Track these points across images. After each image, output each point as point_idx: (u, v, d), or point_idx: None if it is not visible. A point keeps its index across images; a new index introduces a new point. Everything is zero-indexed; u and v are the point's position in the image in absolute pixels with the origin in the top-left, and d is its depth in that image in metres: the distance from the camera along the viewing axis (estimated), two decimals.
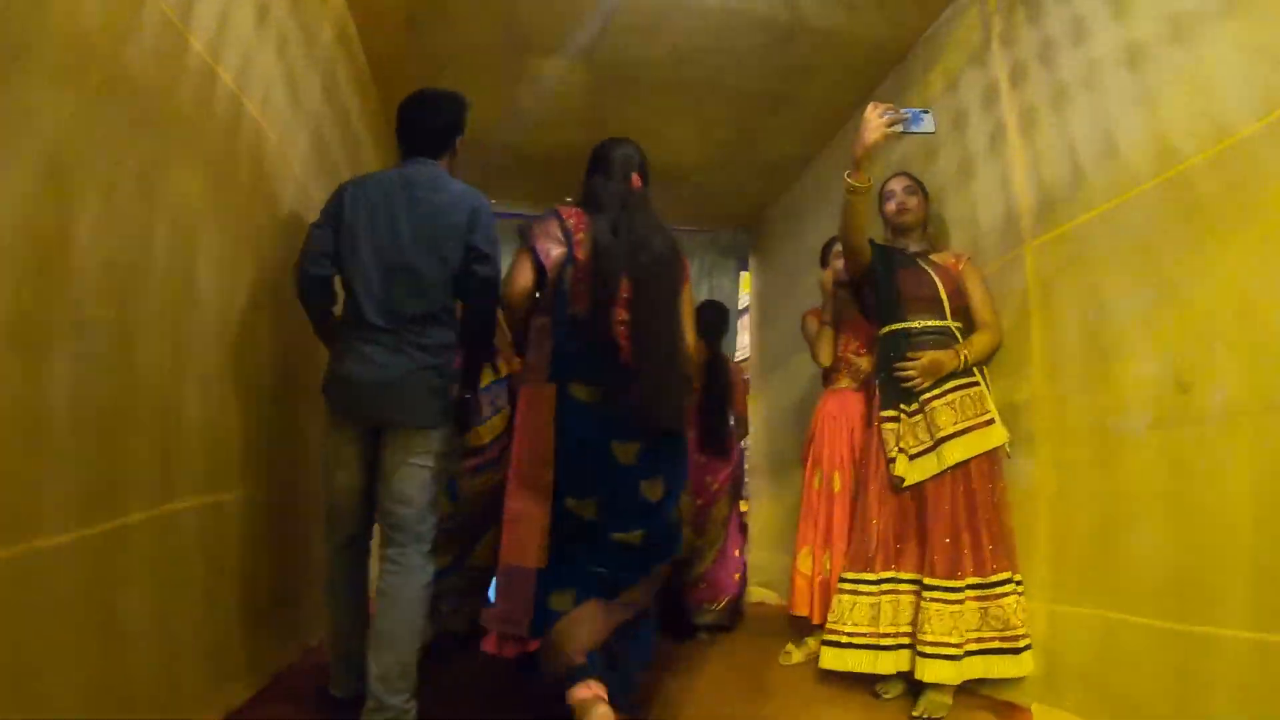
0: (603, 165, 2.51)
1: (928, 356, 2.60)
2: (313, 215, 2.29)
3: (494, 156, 4.19)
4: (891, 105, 2.43)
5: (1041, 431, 2.52)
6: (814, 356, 3.47)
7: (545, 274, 2.26)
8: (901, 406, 2.65)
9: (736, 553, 3.77)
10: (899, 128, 2.41)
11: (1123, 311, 2.22)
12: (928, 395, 2.61)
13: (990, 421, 2.55)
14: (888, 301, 2.75)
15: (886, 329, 2.76)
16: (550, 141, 4.07)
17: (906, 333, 2.70)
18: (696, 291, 5.34)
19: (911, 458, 2.58)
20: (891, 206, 2.90)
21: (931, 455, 2.55)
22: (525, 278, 2.29)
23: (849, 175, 2.51)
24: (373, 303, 2.13)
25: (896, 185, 2.92)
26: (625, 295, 2.24)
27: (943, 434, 2.54)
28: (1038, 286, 2.59)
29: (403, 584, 2.08)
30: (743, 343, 6.24)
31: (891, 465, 2.62)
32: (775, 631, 3.44)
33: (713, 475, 3.71)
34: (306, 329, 2.35)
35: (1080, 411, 2.37)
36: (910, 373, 2.61)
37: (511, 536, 2.18)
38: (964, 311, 2.73)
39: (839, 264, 3.23)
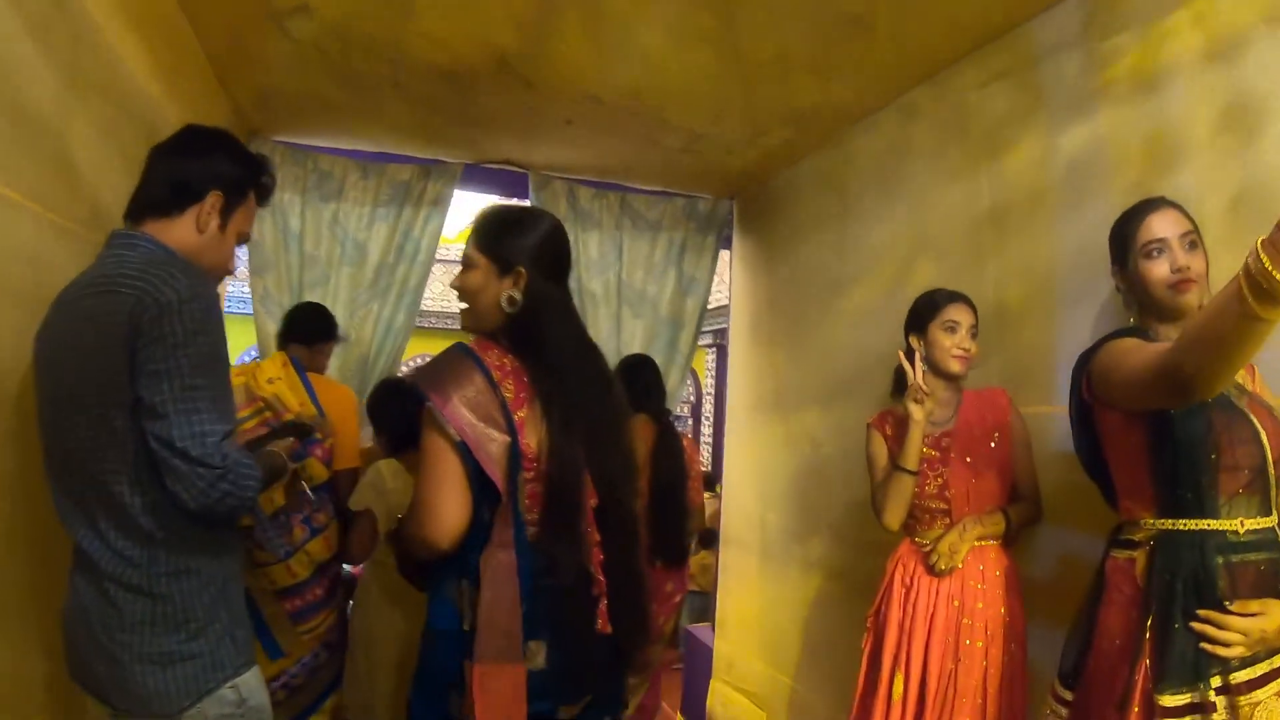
0: (547, 261, 1.72)
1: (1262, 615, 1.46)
2: None
3: (357, 65, 2.97)
4: None
5: None
6: (876, 507, 2.36)
7: (492, 487, 1.55)
8: (1201, 686, 1.48)
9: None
10: None
11: None
12: (1251, 676, 1.47)
13: None
14: (1187, 474, 1.58)
15: (1167, 525, 1.61)
16: (459, 42, 2.82)
17: (1221, 542, 1.54)
18: (660, 279, 4.26)
19: None
20: (1162, 270, 1.70)
21: None
22: (454, 502, 1.55)
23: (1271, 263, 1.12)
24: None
25: (1167, 228, 1.71)
26: (593, 502, 1.68)
27: None
28: None
29: None
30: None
31: None
32: None
33: (675, 583, 3.25)
34: None
35: None
36: (1234, 639, 1.47)
37: None
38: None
39: (953, 340, 2.30)
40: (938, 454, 2.28)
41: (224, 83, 3.17)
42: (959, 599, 2.20)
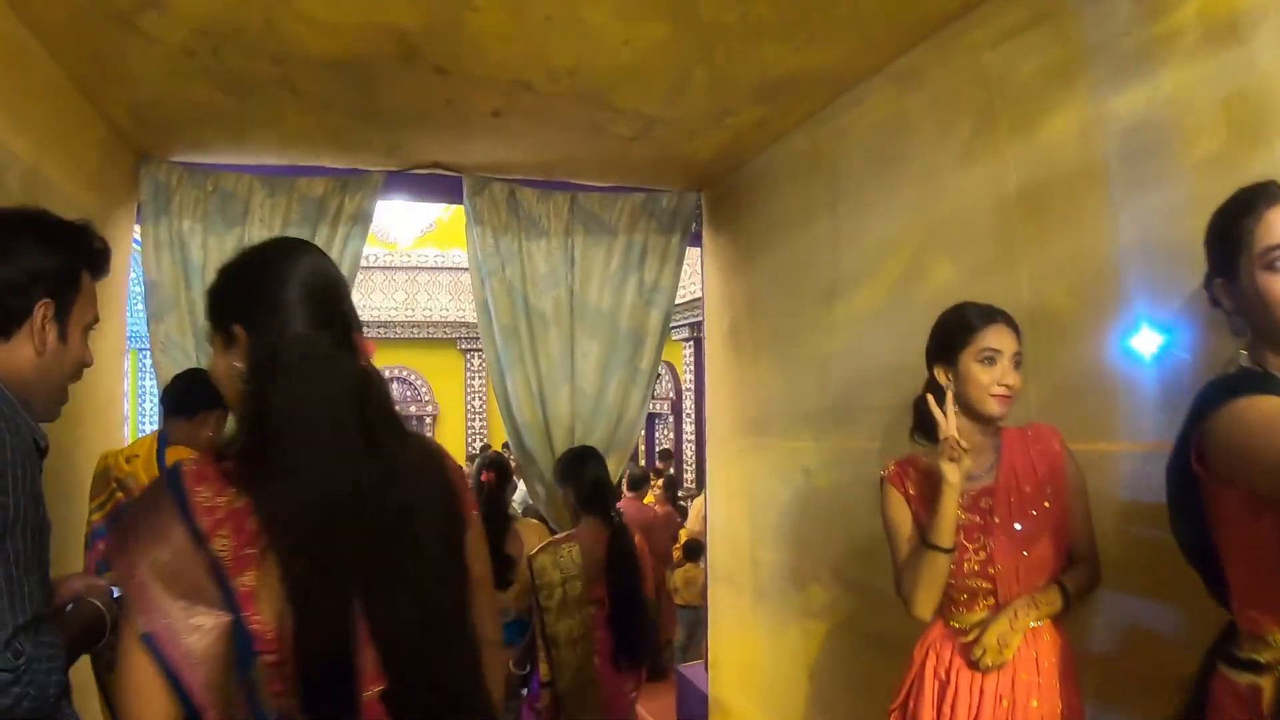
0: (285, 304, 1.19)
1: None
2: None
3: (232, 64, 2.48)
4: None
5: None
6: (901, 592, 1.85)
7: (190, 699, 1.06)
8: None
9: None
10: None
11: None
12: None
13: None
14: None
15: None
16: (348, 26, 2.28)
17: None
18: (617, 290, 3.74)
19: None
20: None
21: None
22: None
23: None
24: None
25: None
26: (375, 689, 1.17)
27: None
28: None
29: None
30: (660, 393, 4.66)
31: None
32: None
33: (634, 680, 3.11)
34: None
35: None
36: None
37: None
38: None
39: (991, 375, 1.80)
40: (978, 519, 1.80)
41: (94, 100, 2.77)
42: (1008, 698, 1.74)
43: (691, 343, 11.32)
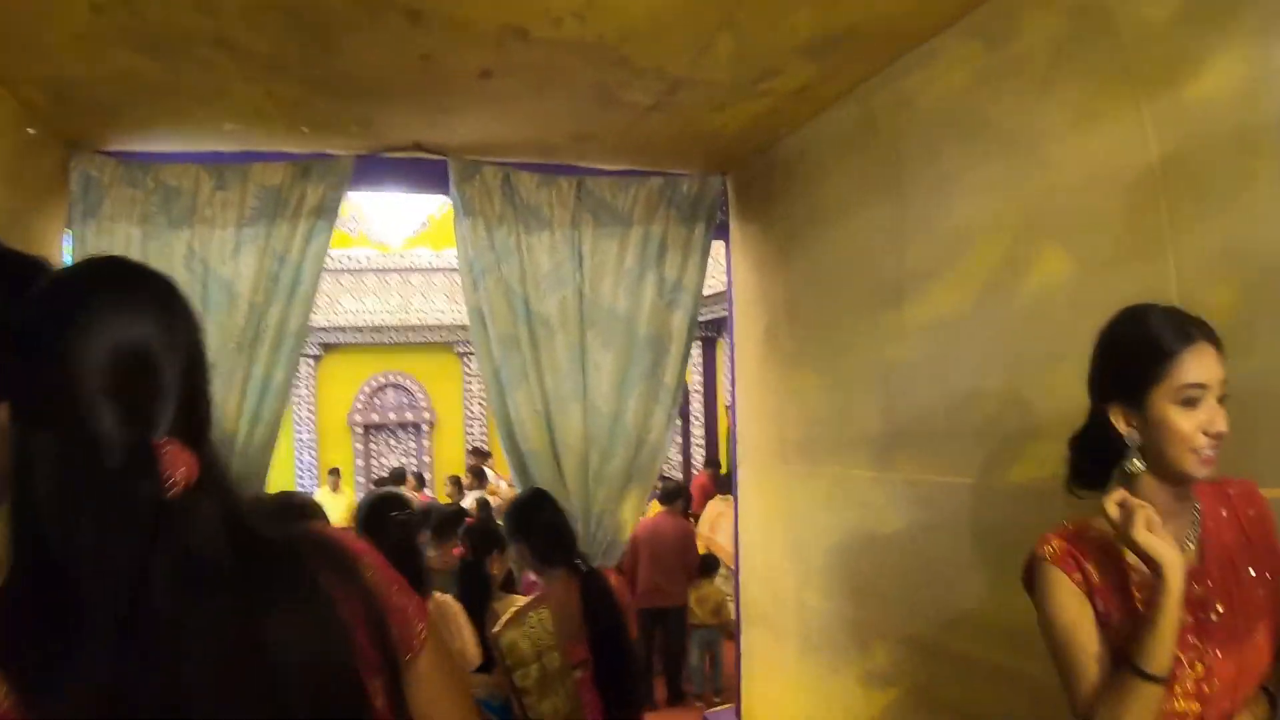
0: (38, 396, 0.76)
1: None
2: None
3: (154, 18, 1.99)
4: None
5: None
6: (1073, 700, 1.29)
7: None
8: None
9: None
10: None
11: None
12: None
13: None
14: None
15: None
16: None
17: None
18: (634, 289, 3.23)
19: None
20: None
21: None
22: None
23: None
24: None
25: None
26: None
27: None
28: None
29: None
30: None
31: None
32: None
33: None
34: None
35: None
36: None
37: None
38: None
39: (1195, 421, 1.28)
40: (1189, 618, 1.27)
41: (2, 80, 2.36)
42: None
43: (700, 342, 10.80)
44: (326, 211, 2.89)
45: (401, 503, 2.78)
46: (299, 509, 2.54)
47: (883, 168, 2.53)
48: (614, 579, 2.74)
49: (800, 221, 2.98)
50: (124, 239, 2.77)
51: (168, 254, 2.79)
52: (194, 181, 2.83)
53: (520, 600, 2.82)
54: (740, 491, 3.53)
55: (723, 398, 9.55)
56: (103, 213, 2.77)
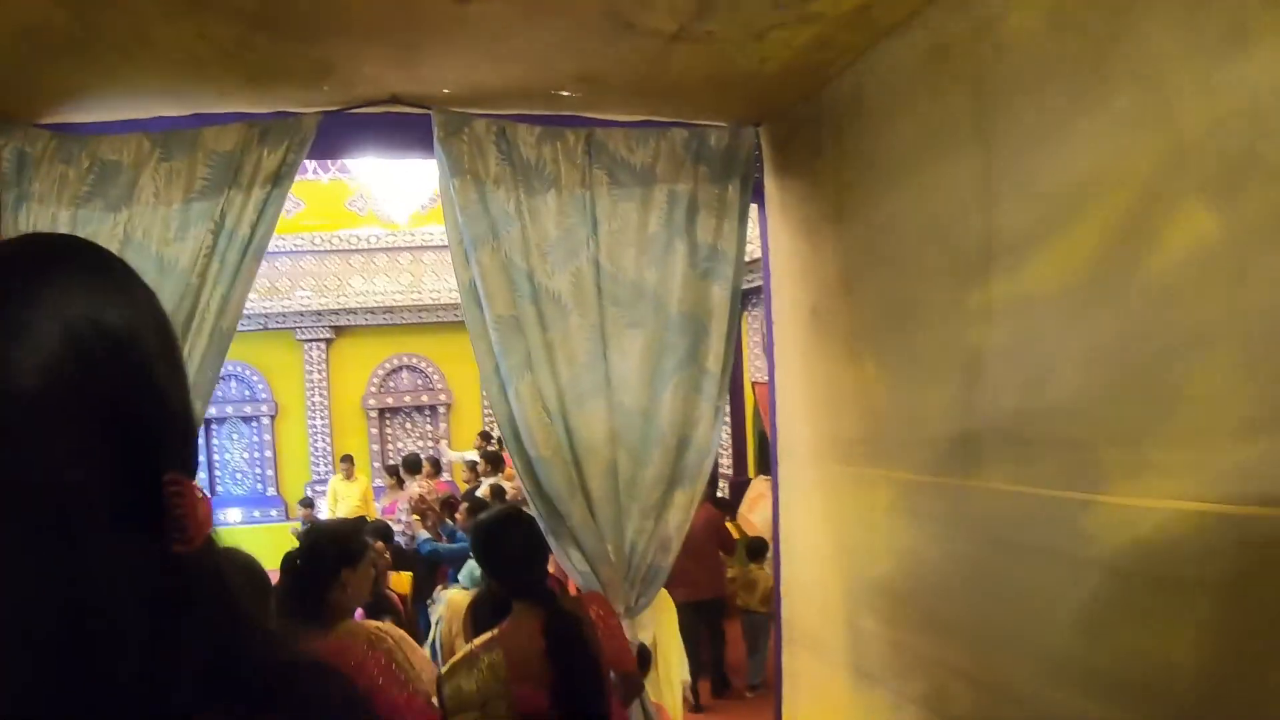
0: None
1: None
2: None
3: None
4: None
5: None
6: None
7: None
8: None
9: None
10: None
11: None
12: None
13: None
14: None
15: None
16: None
17: None
18: (662, 258, 2.77)
19: None
20: None
21: None
22: None
23: None
24: None
25: None
26: None
27: None
28: None
29: None
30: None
31: None
32: None
33: None
34: None
35: None
36: None
37: None
38: None
39: None
40: None
41: None
42: None
43: None
44: (283, 179, 2.54)
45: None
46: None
47: (963, 110, 2.06)
48: (595, 611, 2.39)
49: (856, 179, 2.52)
50: (49, 224, 2.43)
51: (102, 240, 2.43)
52: (135, 153, 2.49)
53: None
54: (781, 493, 3.11)
55: (748, 372, 9.11)
56: (32, 194, 2.44)
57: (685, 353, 2.73)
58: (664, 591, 3.45)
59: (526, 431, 2.61)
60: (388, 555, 5.13)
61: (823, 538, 2.87)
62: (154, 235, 2.49)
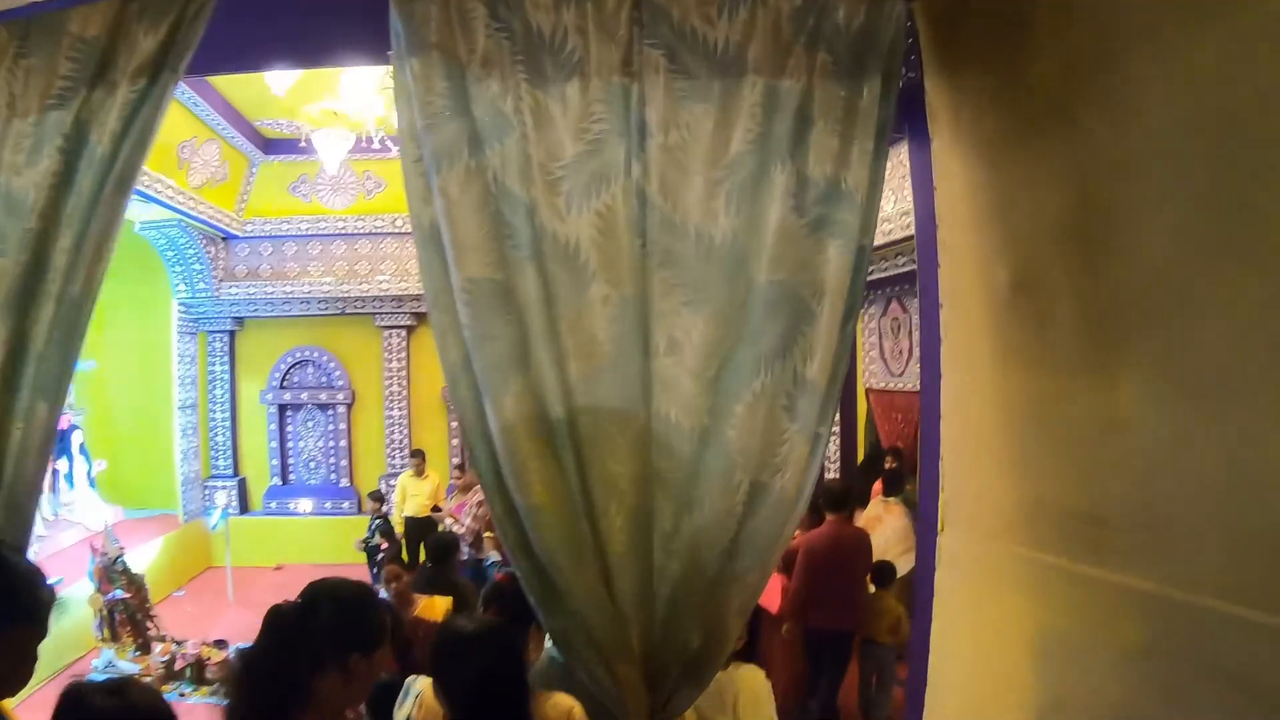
0: None
1: None
2: None
3: None
4: None
5: None
6: None
7: None
8: None
9: None
10: None
11: None
12: None
13: None
14: None
15: None
16: None
17: None
18: (749, 196, 1.66)
19: None
20: None
21: None
22: None
23: None
24: None
25: None
26: None
27: None
28: None
29: None
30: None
31: None
32: None
33: None
34: None
35: None
36: None
37: None
38: None
39: None
40: None
41: None
42: None
43: None
44: (163, 70, 1.76)
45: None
46: None
47: None
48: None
49: (1098, 59, 1.45)
50: None
51: None
52: None
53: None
54: (939, 574, 2.02)
55: (861, 376, 7.96)
56: None
57: (774, 348, 1.70)
58: (756, 672, 2.41)
59: (512, 464, 1.63)
60: (404, 577, 4.35)
61: (999, 659, 1.80)
62: (3, 161, 1.81)
